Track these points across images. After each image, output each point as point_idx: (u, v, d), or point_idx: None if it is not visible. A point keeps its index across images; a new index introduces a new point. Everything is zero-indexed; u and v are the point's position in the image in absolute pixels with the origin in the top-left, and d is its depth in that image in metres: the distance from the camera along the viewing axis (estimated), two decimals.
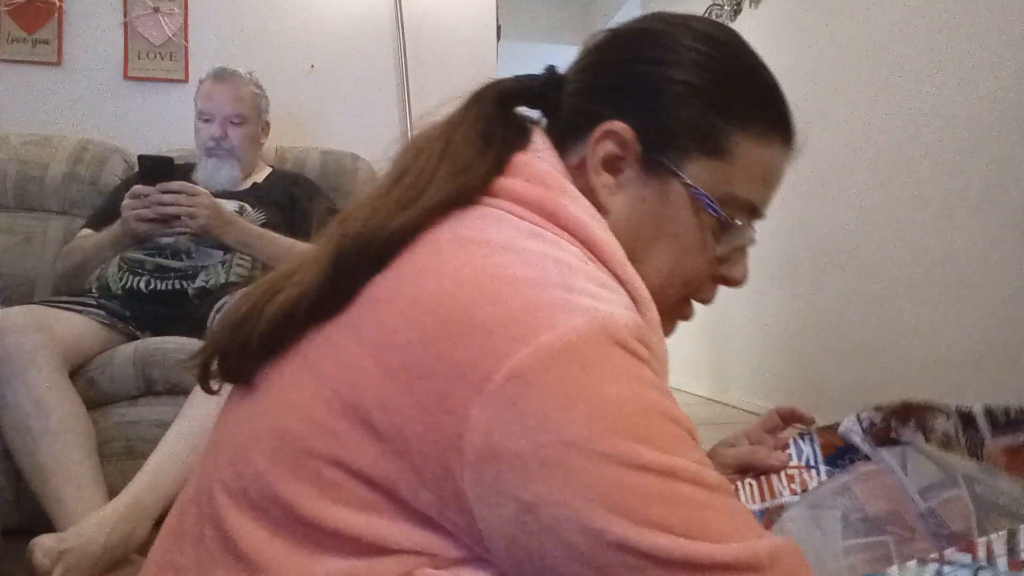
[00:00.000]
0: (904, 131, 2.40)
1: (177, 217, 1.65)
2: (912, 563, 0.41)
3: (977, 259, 2.12)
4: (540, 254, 0.50)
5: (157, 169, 1.68)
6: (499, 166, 0.57)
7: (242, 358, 0.57)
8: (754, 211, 0.60)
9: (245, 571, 0.51)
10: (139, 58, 2.54)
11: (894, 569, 0.42)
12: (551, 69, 0.64)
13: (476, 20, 2.81)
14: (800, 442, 0.65)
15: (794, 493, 0.61)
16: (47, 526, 1.26)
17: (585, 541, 0.45)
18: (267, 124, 2.07)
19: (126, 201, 1.67)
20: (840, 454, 0.63)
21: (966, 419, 0.58)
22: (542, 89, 0.63)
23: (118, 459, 1.47)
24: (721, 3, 3.59)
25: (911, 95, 2.37)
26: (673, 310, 0.61)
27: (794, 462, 0.63)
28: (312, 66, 2.60)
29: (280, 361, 0.55)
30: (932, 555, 0.41)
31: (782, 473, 0.63)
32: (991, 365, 2.05)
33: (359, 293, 0.53)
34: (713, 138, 0.57)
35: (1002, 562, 0.38)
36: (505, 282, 0.48)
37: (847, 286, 2.69)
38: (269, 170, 2.07)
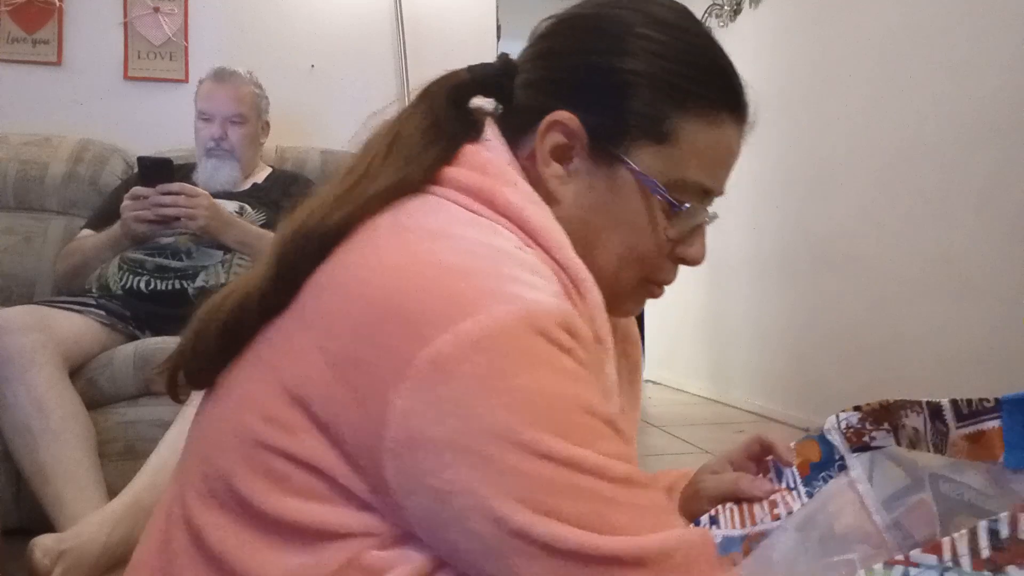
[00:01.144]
0: (904, 131, 2.40)
1: (177, 218, 1.65)
2: (879, 566, 0.41)
3: (977, 259, 2.12)
4: (472, 240, 0.51)
5: (156, 170, 1.68)
6: (445, 156, 0.58)
7: (203, 363, 0.58)
8: (707, 192, 0.60)
9: (214, 571, 0.52)
10: (139, 58, 2.54)
11: (861, 573, 0.42)
12: (504, 58, 0.64)
13: (476, 20, 2.81)
14: (779, 464, 0.66)
15: (776, 518, 0.61)
16: (47, 526, 1.26)
17: (489, 529, 0.46)
18: (267, 124, 2.07)
19: (125, 202, 1.67)
20: (815, 472, 0.63)
21: (935, 412, 0.59)
22: (496, 79, 0.63)
23: (118, 459, 1.47)
24: (721, 3, 3.59)
25: (911, 95, 2.37)
26: (634, 291, 0.62)
27: (776, 486, 0.64)
28: (312, 66, 2.60)
29: (239, 361, 0.56)
30: (898, 557, 0.41)
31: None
32: (991, 365, 2.05)
33: (305, 285, 0.54)
34: (660, 125, 0.57)
35: (966, 562, 0.38)
36: (433, 268, 0.49)
37: (847, 286, 2.69)
38: (269, 170, 2.07)
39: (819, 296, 2.87)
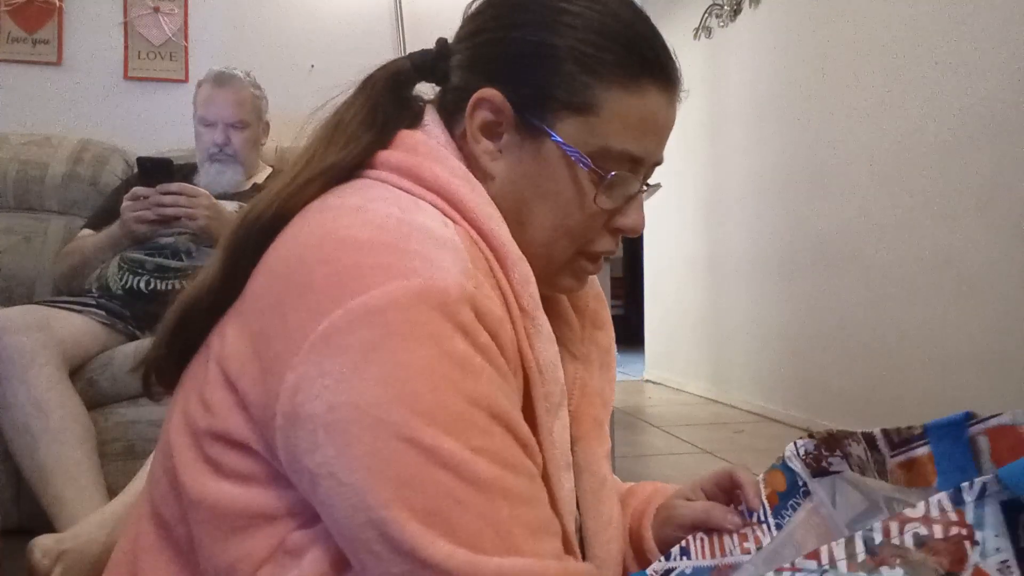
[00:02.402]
0: (904, 131, 2.40)
1: (177, 218, 1.65)
2: (770, 574, 0.44)
3: (977, 259, 2.12)
4: (386, 215, 0.51)
5: (156, 170, 1.68)
6: (381, 141, 0.59)
7: (167, 362, 0.59)
8: (635, 160, 0.59)
9: (181, 565, 0.53)
10: (139, 58, 2.54)
11: None
12: (442, 42, 0.65)
13: None
14: (748, 506, 0.66)
15: (746, 552, 0.61)
16: (47, 526, 1.26)
17: (348, 515, 0.45)
18: (267, 125, 2.07)
19: (125, 202, 1.67)
20: (784, 500, 0.64)
21: (870, 442, 0.60)
22: (435, 63, 0.63)
23: (118, 459, 1.47)
24: (721, 3, 3.59)
25: (911, 95, 2.37)
26: (570, 264, 0.61)
27: (746, 519, 0.64)
28: (312, 66, 2.60)
29: (197, 356, 0.57)
30: (786, 565, 0.44)
31: (734, 531, 0.64)
32: (991, 365, 2.05)
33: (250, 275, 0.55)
34: (580, 95, 0.57)
35: (842, 565, 0.41)
36: (340, 243, 0.49)
37: (847, 286, 2.69)
38: (269, 170, 2.07)
39: (819, 296, 2.87)
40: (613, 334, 0.74)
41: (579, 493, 0.64)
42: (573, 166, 0.57)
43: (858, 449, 0.61)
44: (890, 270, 2.47)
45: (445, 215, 0.54)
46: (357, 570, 0.47)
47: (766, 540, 0.62)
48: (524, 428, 0.49)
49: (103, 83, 2.51)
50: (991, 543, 0.37)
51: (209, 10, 2.57)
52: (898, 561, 0.39)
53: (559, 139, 0.57)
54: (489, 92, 0.58)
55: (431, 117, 0.62)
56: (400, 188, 0.55)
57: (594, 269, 0.63)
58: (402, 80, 0.64)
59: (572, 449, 0.64)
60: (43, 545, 1.14)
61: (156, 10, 2.54)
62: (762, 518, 0.64)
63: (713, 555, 0.62)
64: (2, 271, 2.02)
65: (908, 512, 0.40)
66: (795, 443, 0.65)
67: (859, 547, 0.41)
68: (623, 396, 3.88)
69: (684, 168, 4.10)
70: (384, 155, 0.58)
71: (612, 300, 2.15)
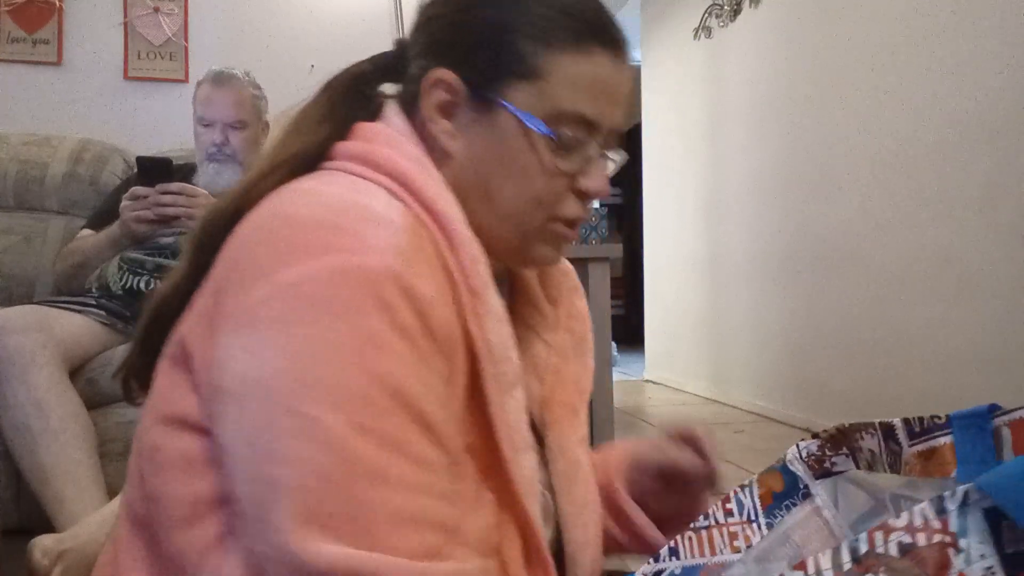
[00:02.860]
0: (904, 131, 2.40)
1: (176, 218, 1.65)
2: None
3: (977, 259, 2.12)
4: (330, 194, 0.52)
5: (156, 170, 1.68)
6: (340, 133, 0.60)
7: (143, 366, 0.61)
8: (590, 123, 0.59)
9: (147, 559, 0.54)
10: (139, 58, 2.54)
11: None
12: (400, 41, 0.66)
13: None
14: (740, 495, 0.66)
15: (736, 550, 0.62)
16: (47, 526, 1.26)
17: (238, 483, 0.46)
18: (267, 124, 2.07)
19: (125, 202, 1.67)
20: (779, 500, 0.64)
21: (887, 431, 0.60)
22: (394, 63, 0.65)
23: (118, 459, 1.47)
24: (721, 3, 3.59)
25: (911, 95, 2.37)
26: (542, 235, 0.62)
27: (735, 518, 0.64)
28: (312, 66, 2.60)
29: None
30: (775, 572, 0.44)
31: (724, 529, 0.64)
32: (991, 365, 2.05)
33: None
34: (528, 62, 0.58)
35: (828, 574, 0.41)
36: (281, 221, 0.51)
37: (847, 286, 2.69)
38: None
39: (819, 296, 2.87)
40: (589, 324, 0.75)
41: (553, 477, 0.65)
42: (529, 132, 0.58)
43: (871, 442, 0.61)
44: (890, 270, 2.47)
45: (396, 197, 0.54)
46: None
47: (756, 539, 0.62)
48: (435, 413, 0.48)
49: (103, 83, 2.51)
50: (975, 550, 0.38)
51: (209, 10, 2.57)
52: (882, 569, 0.40)
53: (511, 107, 0.58)
54: (441, 72, 0.59)
55: (391, 109, 0.63)
56: (354, 174, 0.56)
57: (569, 235, 0.63)
58: (363, 80, 0.65)
59: (545, 434, 0.66)
60: (43, 545, 1.14)
61: (156, 10, 2.54)
62: (753, 517, 0.64)
63: (703, 554, 0.62)
64: (2, 271, 2.02)
65: (892, 522, 0.41)
66: (798, 445, 0.65)
67: (845, 556, 0.41)
68: (623, 396, 3.88)
69: (684, 168, 4.10)
70: (341, 145, 0.59)
71: (612, 300, 2.15)
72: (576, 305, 0.73)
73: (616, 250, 2.10)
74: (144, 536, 0.54)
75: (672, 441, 0.72)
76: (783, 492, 0.64)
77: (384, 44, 0.68)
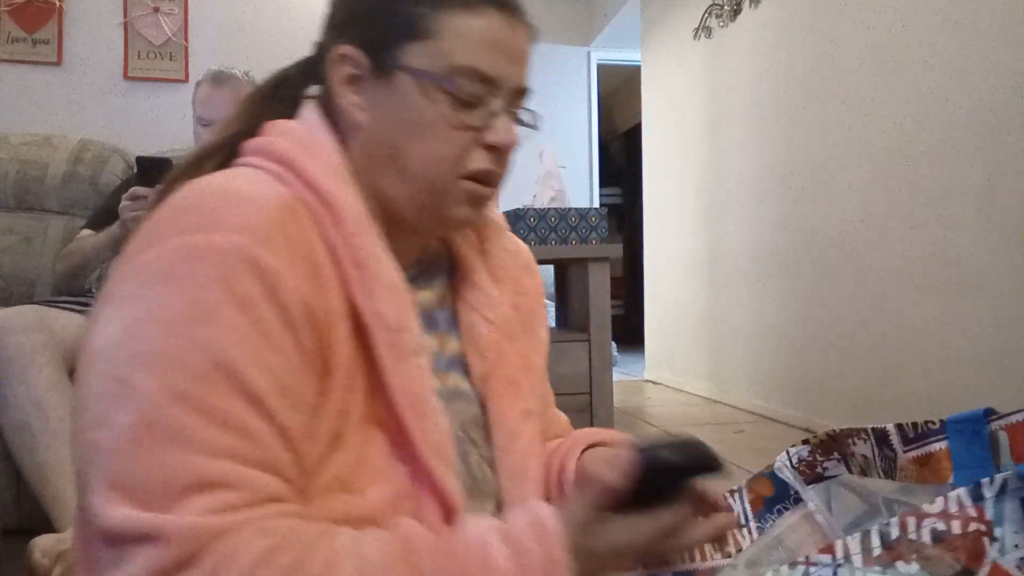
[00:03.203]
0: (904, 131, 2.40)
1: None
2: (784, 567, 0.44)
3: (977, 259, 2.12)
4: (207, 182, 0.56)
5: (155, 170, 1.68)
6: (251, 130, 0.63)
7: None
8: (487, 78, 0.61)
9: (86, 553, 0.55)
10: (139, 58, 2.54)
11: (770, 572, 0.45)
12: (317, 43, 0.69)
13: None
14: (730, 499, 0.66)
15: (727, 556, 0.61)
16: (47, 526, 1.26)
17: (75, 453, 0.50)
18: None
19: (124, 202, 1.67)
20: (769, 506, 0.64)
21: (880, 437, 0.60)
22: (314, 64, 0.67)
23: None
24: (721, 3, 3.59)
25: (911, 95, 2.37)
26: (455, 192, 0.63)
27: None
28: None
29: None
30: (800, 559, 0.44)
31: None
32: (991, 365, 2.05)
33: None
34: (419, 24, 0.60)
35: (857, 559, 0.41)
36: (163, 210, 0.54)
37: (847, 286, 2.69)
38: None
39: (819, 296, 2.87)
40: (539, 299, 0.77)
41: (493, 450, 0.67)
42: (427, 90, 0.60)
43: (864, 447, 0.61)
44: (890, 270, 2.47)
45: (281, 180, 0.57)
46: None
47: (747, 543, 0.62)
48: (265, 383, 0.49)
49: (103, 83, 2.51)
50: (1010, 539, 0.37)
51: (209, 10, 2.57)
52: (914, 557, 0.39)
53: (408, 67, 0.60)
54: (343, 48, 0.62)
55: (308, 106, 0.65)
56: (251, 165, 0.59)
57: (483, 192, 0.64)
58: (287, 83, 0.69)
59: (484, 406, 0.68)
60: (43, 545, 1.14)
61: (156, 10, 2.54)
62: (743, 522, 0.64)
63: (693, 559, 0.62)
64: (2, 271, 2.02)
65: (926, 507, 0.40)
66: (787, 452, 0.65)
67: (875, 541, 0.41)
68: (623, 396, 3.88)
69: (684, 168, 4.10)
70: (248, 142, 0.62)
71: (612, 300, 2.15)
72: (523, 282, 0.75)
73: (616, 250, 2.10)
74: (81, 535, 0.56)
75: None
76: (773, 497, 0.64)
77: None
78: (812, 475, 0.63)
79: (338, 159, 0.61)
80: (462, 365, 0.69)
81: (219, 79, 1.95)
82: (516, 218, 2.07)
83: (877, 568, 0.40)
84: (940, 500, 0.40)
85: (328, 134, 0.63)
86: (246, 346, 0.49)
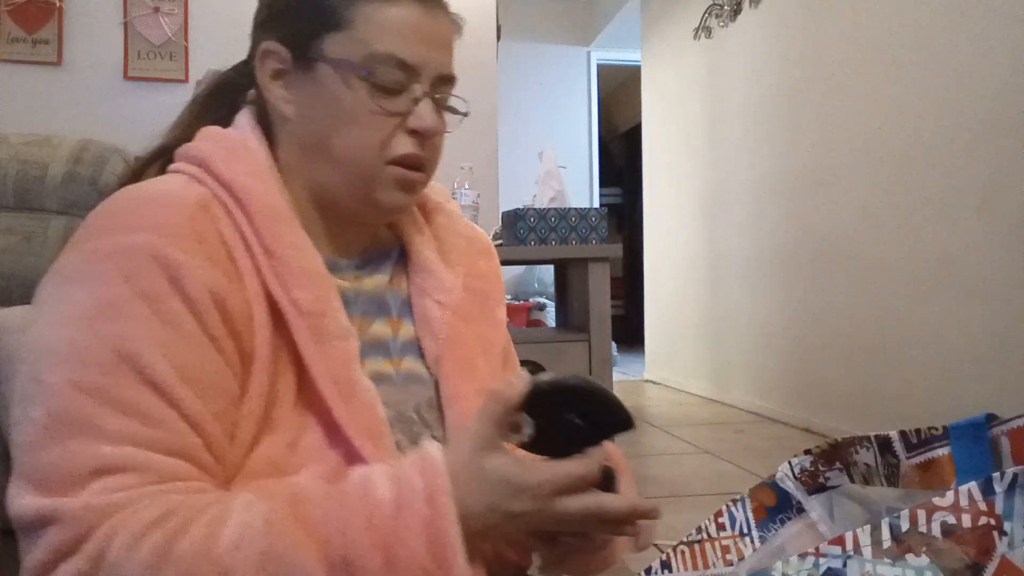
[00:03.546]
0: (905, 131, 2.40)
1: None
2: (794, 558, 0.45)
3: (978, 259, 2.12)
4: (129, 188, 0.59)
5: None
6: (188, 137, 0.65)
7: None
8: (407, 65, 0.62)
9: None
10: (139, 58, 2.54)
11: (779, 564, 0.45)
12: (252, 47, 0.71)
13: (476, 20, 2.81)
14: (732, 509, 0.66)
15: (729, 564, 0.61)
16: None
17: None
18: None
19: None
20: (772, 515, 0.64)
21: (883, 444, 0.60)
22: (249, 67, 0.69)
23: None
24: (721, 3, 3.59)
25: (911, 95, 2.37)
26: (384, 176, 0.64)
27: (728, 532, 0.64)
28: None
29: None
30: (810, 550, 0.45)
31: (716, 543, 0.64)
32: (991, 365, 2.05)
33: None
34: (336, 14, 0.61)
35: (867, 551, 0.42)
36: (91, 215, 0.57)
37: (847, 286, 2.69)
38: None
39: (819, 296, 2.87)
40: (495, 281, 0.77)
41: (446, 428, 0.67)
42: (347, 78, 0.61)
43: (866, 456, 0.61)
44: (890, 270, 2.47)
45: (197, 180, 0.60)
46: None
47: (748, 552, 0.62)
48: (161, 371, 0.51)
49: (103, 83, 2.51)
50: (1019, 534, 0.38)
51: (209, 10, 2.57)
52: (924, 549, 0.39)
53: (328, 57, 0.61)
54: (267, 44, 0.64)
55: (243, 111, 0.68)
56: (176, 170, 0.62)
57: (412, 176, 0.64)
58: (226, 87, 0.72)
59: (437, 386, 0.68)
60: None
61: (156, 10, 2.54)
62: (745, 531, 0.64)
63: (696, 568, 0.62)
64: (2, 271, 2.02)
65: (936, 500, 0.41)
66: (789, 462, 0.65)
67: (885, 534, 0.41)
68: (623, 396, 3.86)
69: (684, 168, 4.10)
70: (178, 148, 0.64)
71: (612, 300, 2.15)
72: (478, 266, 0.76)
73: (616, 250, 2.10)
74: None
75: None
76: (776, 507, 0.64)
77: None
78: (814, 485, 0.63)
79: (257, 156, 0.63)
80: (417, 349, 0.70)
81: None
82: (516, 218, 2.07)
83: (887, 560, 0.40)
84: (950, 493, 0.40)
85: (254, 133, 0.65)
86: (150, 336, 0.51)
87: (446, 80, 0.65)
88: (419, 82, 0.63)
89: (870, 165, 2.56)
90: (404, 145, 0.63)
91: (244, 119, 0.67)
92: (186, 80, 2.52)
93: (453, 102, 0.67)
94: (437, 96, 0.65)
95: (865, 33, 2.59)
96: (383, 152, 0.63)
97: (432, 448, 0.52)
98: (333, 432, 0.58)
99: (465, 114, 0.68)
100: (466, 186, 2.17)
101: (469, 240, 0.77)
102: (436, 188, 0.77)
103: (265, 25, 0.66)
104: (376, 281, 0.70)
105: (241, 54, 0.71)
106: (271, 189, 0.61)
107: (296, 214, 0.63)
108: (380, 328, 0.68)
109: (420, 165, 0.65)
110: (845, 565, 0.42)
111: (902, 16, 2.41)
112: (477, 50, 2.79)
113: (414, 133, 0.63)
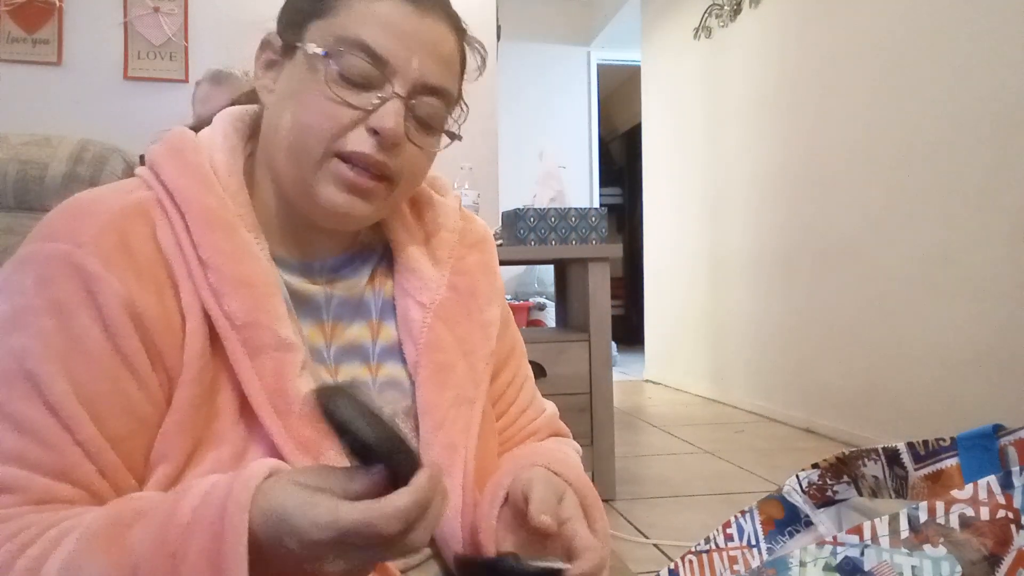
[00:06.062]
0: (904, 130, 2.40)
1: None
2: (812, 546, 0.45)
3: (977, 259, 2.12)
4: (86, 196, 0.59)
5: None
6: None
7: None
8: (377, 57, 0.58)
9: None
10: (139, 58, 2.54)
11: (797, 551, 0.45)
12: None
13: (476, 20, 2.79)
14: (741, 520, 0.66)
15: (736, 574, 0.61)
16: None
17: None
18: None
19: None
20: (780, 528, 0.64)
21: (891, 457, 0.60)
22: None
23: None
24: (721, 3, 3.59)
25: (911, 95, 2.37)
26: (322, 168, 0.59)
27: (736, 543, 0.64)
28: None
29: None
30: (828, 538, 0.45)
31: (724, 553, 0.64)
32: (991, 365, 2.05)
33: None
34: (324, 3, 0.61)
35: (885, 541, 0.42)
36: (41, 223, 0.58)
37: (847, 286, 2.69)
38: None
39: (819, 296, 2.87)
40: (490, 278, 0.73)
41: (420, 436, 0.64)
42: (312, 61, 0.59)
43: (874, 468, 0.61)
44: (890, 270, 2.47)
45: (148, 184, 0.60)
46: None
47: (756, 564, 0.62)
48: (59, 392, 0.50)
49: (103, 83, 2.51)
50: None
51: (209, 10, 2.57)
52: (941, 540, 0.40)
53: (304, 41, 0.60)
54: (268, 35, 0.65)
55: (228, 109, 0.68)
56: (139, 173, 0.62)
57: (351, 177, 0.59)
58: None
59: (414, 394, 0.65)
60: None
61: (156, 10, 2.54)
62: (754, 542, 0.64)
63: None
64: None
65: (955, 492, 0.41)
66: (797, 476, 0.65)
67: (903, 524, 0.42)
68: (623, 396, 3.88)
69: (684, 168, 4.10)
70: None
71: (612, 300, 2.15)
72: (465, 260, 0.72)
73: (616, 250, 2.10)
74: None
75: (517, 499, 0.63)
76: (784, 520, 0.64)
77: None
78: (822, 499, 0.63)
79: (200, 159, 0.61)
80: (399, 353, 0.67)
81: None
82: (516, 218, 2.07)
83: (904, 550, 0.40)
84: (970, 486, 0.40)
85: (227, 131, 0.64)
86: (53, 354, 0.51)
87: (430, 90, 0.61)
88: (393, 83, 0.59)
89: (870, 165, 2.56)
90: (360, 143, 0.58)
91: (221, 118, 0.66)
92: (186, 80, 2.52)
93: (435, 118, 0.62)
94: (412, 102, 0.60)
95: (865, 33, 2.59)
96: (331, 142, 0.58)
97: (264, 462, 0.48)
98: (291, 457, 0.55)
99: (457, 137, 0.65)
100: (466, 186, 2.17)
101: (461, 233, 0.73)
102: (439, 183, 0.75)
103: (278, 19, 0.67)
104: (352, 283, 0.67)
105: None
106: (212, 193, 0.59)
107: (264, 215, 0.62)
108: (357, 332, 0.65)
109: (370, 167, 0.59)
110: (863, 554, 0.42)
111: (901, 16, 2.41)
112: None
113: (375, 134, 0.59)
